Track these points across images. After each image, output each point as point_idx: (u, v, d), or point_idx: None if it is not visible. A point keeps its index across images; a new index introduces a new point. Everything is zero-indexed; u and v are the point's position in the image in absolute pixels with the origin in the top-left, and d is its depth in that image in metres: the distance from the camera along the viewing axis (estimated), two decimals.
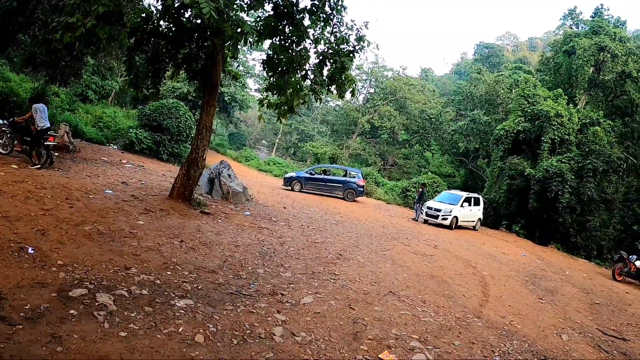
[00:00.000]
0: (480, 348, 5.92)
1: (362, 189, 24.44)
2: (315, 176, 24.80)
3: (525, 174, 24.33)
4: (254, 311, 5.50)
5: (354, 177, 24.70)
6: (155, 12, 9.98)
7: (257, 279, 6.90)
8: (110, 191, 10.22)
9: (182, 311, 5.00)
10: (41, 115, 11.41)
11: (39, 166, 10.95)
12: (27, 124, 11.64)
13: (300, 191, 24.03)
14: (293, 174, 25.72)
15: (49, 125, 11.56)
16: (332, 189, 24.18)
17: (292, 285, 6.89)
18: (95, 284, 5.16)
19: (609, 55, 29.24)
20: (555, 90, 27.87)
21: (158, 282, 5.73)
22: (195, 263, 6.88)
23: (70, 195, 8.71)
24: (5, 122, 12.19)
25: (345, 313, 6.10)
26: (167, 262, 6.54)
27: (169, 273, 6.15)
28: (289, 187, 24.49)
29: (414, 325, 6.22)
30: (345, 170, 26.15)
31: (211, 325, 4.81)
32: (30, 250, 5.52)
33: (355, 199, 24.07)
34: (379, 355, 5.01)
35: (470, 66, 53.47)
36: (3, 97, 17.98)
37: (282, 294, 6.33)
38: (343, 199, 23.54)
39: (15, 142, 11.80)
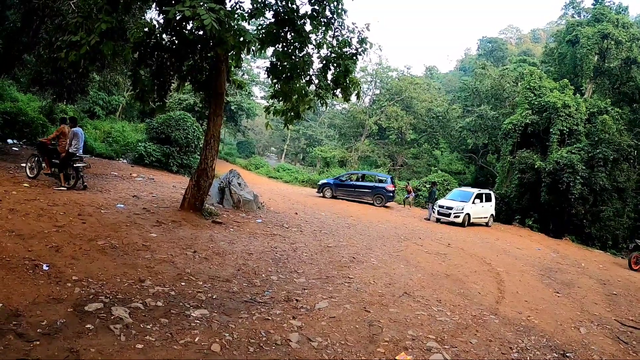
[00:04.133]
0: (498, 345, 5.87)
1: (391, 194, 24.38)
2: (346, 182, 24.97)
3: (536, 167, 24.10)
4: (269, 318, 5.50)
5: (383, 182, 24.74)
6: (157, 26, 10.07)
7: (271, 285, 6.90)
8: (122, 205, 10.31)
9: (197, 321, 5.02)
10: (77, 140, 11.36)
11: (66, 188, 10.87)
12: (54, 146, 11.59)
13: (332, 197, 24.29)
14: (324, 181, 26.12)
15: (81, 152, 11.50)
16: (361, 194, 24.26)
17: (306, 291, 6.88)
18: (111, 297, 5.20)
19: (612, 42, 29.02)
20: (561, 80, 27.68)
21: (173, 293, 5.76)
22: (209, 273, 6.91)
23: (82, 211, 8.80)
24: (16, 141, 12.32)
25: (361, 316, 6.07)
26: (181, 273, 6.57)
27: (183, 284, 6.17)
28: (321, 194, 24.83)
29: (430, 325, 6.18)
30: (375, 176, 26.25)
31: (227, 334, 4.82)
32: (44, 267, 5.58)
33: (386, 204, 24.00)
34: (396, 357, 4.98)
35: (475, 62, 53.15)
36: (12, 117, 18.28)
37: (296, 300, 6.33)
38: (372, 204, 23.55)
39: (44, 165, 11.76)
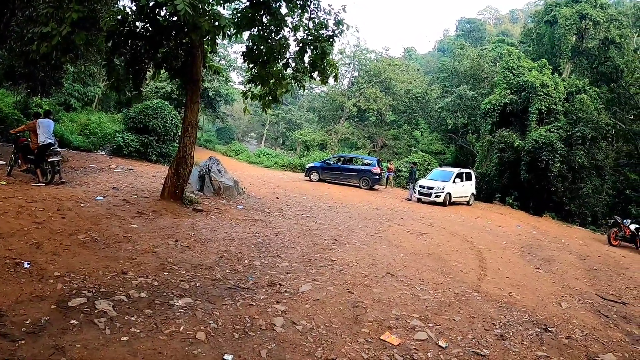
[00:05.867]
0: (481, 322, 6.00)
1: (377, 177, 24.41)
2: (332, 165, 25.04)
3: (515, 145, 24.44)
4: (253, 304, 5.53)
5: (369, 165, 24.76)
6: (130, 13, 9.82)
7: (254, 271, 6.93)
8: (102, 198, 10.17)
9: (181, 310, 5.02)
10: (43, 131, 11.05)
11: (44, 184, 10.67)
12: (28, 142, 11.35)
13: (318, 181, 24.37)
14: (312, 164, 26.17)
15: (50, 140, 11.16)
16: (347, 177, 24.37)
17: (289, 275, 6.92)
18: (94, 291, 5.16)
19: (590, 23, 29.36)
20: (540, 60, 27.95)
21: (156, 283, 5.74)
22: (191, 261, 6.89)
23: (61, 205, 8.66)
24: None
25: (345, 298, 6.15)
26: (163, 263, 6.54)
27: (166, 274, 6.15)
28: (308, 178, 24.93)
29: (413, 304, 6.29)
30: (361, 159, 26.28)
31: (212, 322, 4.84)
32: (26, 265, 5.50)
33: (372, 187, 24.07)
34: (381, 337, 5.06)
35: (453, 42, 53.21)
36: None
37: (280, 284, 6.37)
38: (359, 187, 23.65)
39: (19, 161, 11.53)
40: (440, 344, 5.13)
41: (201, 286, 5.91)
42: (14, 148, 11.84)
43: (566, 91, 25.80)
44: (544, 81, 25.19)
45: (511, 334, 5.75)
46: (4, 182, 10.25)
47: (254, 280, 6.47)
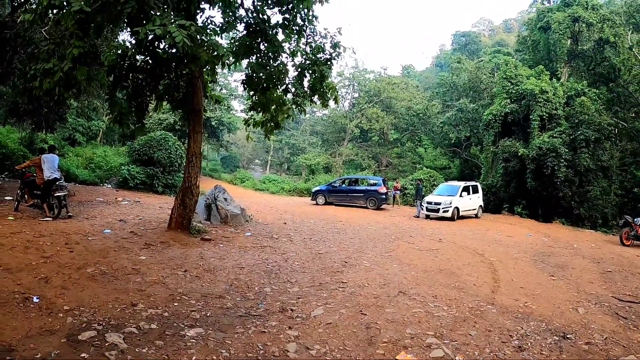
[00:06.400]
0: (498, 334, 5.88)
1: (384, 197, 24.32)
2: (338, 188, 25.03)
3: (519, 154, 24.38)
4: (266, 330, 5.46)
5: (374, 185, 24.72)
6: (130, 47, 9.99)
7: (265, 298, 6.87)
8: (109, 230, 10.20)
9: (193, 340, 4.97)
10: (48, 166, 11.15)
11: (51, 218, 10.72)
12: (34, 178, 11.43)
13: (325, 204, 24.29)
14: (317, 188, 26.12)
15: (56, 175, 11.26)
16: (354, 198, 24.28)
17: (300, 300, 6.85)
18: (104, 324, 5.13)
19: (584, 25, 29.52)
20: (537, 67, 28.09)
21: (166, 314, 5.70)
22: (201, 291, 6.85)
23: (69, 239, 8.69)
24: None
25: (358, 319, 6.06)
26: (173, 294, 6.50)
27: (176, 304, 6.11)
28: (315, 202, 24.81)
29: (427, 321, 6.19)
30: (366, 180, 26.26)
31: (224, 351, 4.78)
32: (35, 299, 5.49)
33: (380, 207, 23.94)
34: (396, 357, 4.97)
35: (450, 57, 53.69)
36: None
37: (291, 310, 6.30)
38: (366, 207, 23.51)
39: (26, 197, 11.61)
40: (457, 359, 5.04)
41: (212, 315, 5.86)
42: (20, 184, 11.95)
43: (566, 95, 25.83)
44: (543, 87, 25.25)
45: (529, 344, 5.63)
46: (12, 218, 10.32)
47: (265, 307, 6.41)
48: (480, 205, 22.65)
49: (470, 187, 22.20)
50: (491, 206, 25.38)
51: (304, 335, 5.41)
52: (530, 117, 25.43)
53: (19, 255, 7.12)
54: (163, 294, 6.47)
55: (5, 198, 13.06)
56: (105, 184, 22.95)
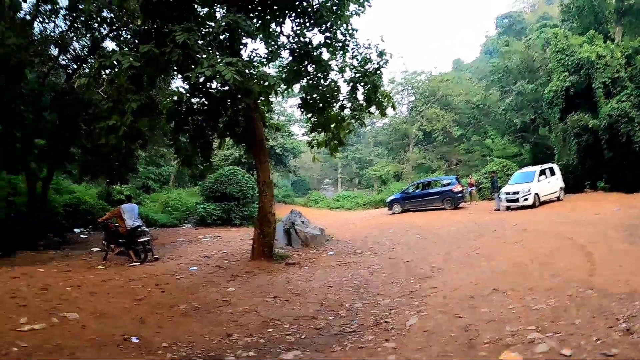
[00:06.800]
0: (603, 320, 5.37)
1: (460, 195, 23.82)
2: (412, 194, 24.81)
3: (590, 126, 22.91)
4: (363, 346, 5.39)
5: (448, 184, 24.28)
6: (184, 92, 10.47)
7: (357, 313, 6.82)
8: (195, 267, 10.62)
9: None
10: (129, 215, 11.87)
11: (138, 263, 11.34)
12: (116, 228, 12.11)
13: (402, 212, 24.04)
14: (392, 197, 25.98)
15: (138, 223, 11.92)
16: (430, 202, 23.90)
17: (393, 311, 6.74)
18: (202, 356, 5.28)
19: None
20: (587, 33, 26.40)
21: (262, 341, 5.79)
22: (293, 314, 6.92)
23: (158, 280, 9.14)
24: (82, 229, 13.01)
25: (454, 323, 5.83)
26: (266, 320, 6.62)
27: (270, 330, 6.21)
28: (392, 211, 24.63)
29: (527, 316, 5.81)
30: (439, 181, 25.86)
31: None
32: (134, 339, 5.73)
33: (458, 205, 23.42)
34: (500, 358, 4.70)
35: (496, 42, 51.79)
36: (73, 207, 20.24)
37: (385, 322, 6.19)
38: (443, 209, 23.08)
39: (112, 246, 12.34)
40: (564, 352, 4.62)
41: (307, 337, 5.89)
42: (104, 235, 12.75)
43: (624, 56, 24.00)
44: (599, 52, 23.67)
45: (638, 325, 5.13)
46: (102, 267, 10.98)
47: (358, 322, 6.36)
48: (561, 187, 21.38)
49: (547, 170, 21.07)
50: (572, 185, 23.82)
51: (402, 346, 5.27)
52: (593, 85, 23.86)
53: (113, 300, 7.52)
54: (256, 321, 6.60)
55: (92, 250, 13.94)
56: (184, 224, 24.02)
